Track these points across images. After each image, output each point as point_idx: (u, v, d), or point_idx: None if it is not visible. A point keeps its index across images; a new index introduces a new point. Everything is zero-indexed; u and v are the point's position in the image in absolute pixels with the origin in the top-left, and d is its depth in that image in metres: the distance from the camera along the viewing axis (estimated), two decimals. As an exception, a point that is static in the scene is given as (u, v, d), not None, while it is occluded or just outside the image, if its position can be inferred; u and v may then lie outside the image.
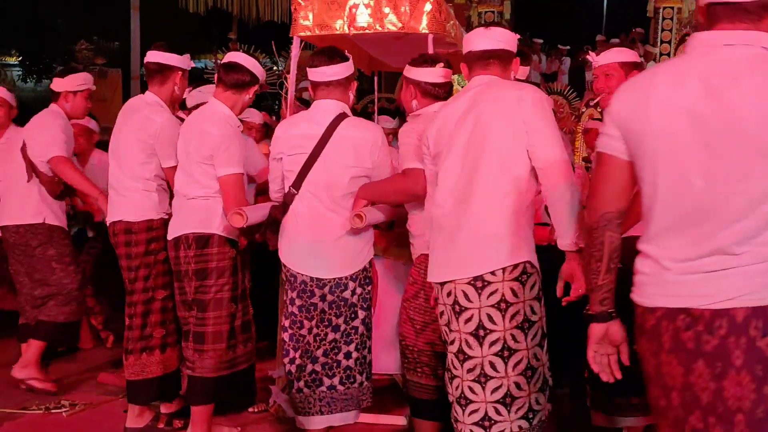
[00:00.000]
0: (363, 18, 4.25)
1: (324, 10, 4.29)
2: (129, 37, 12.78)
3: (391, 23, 4.20)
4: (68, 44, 16.12)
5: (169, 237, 3.96)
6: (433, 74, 3.65)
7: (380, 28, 4.24)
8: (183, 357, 4.10)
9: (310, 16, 4.33)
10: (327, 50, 3.69)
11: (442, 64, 3.66)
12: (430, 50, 4.17)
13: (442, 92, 3.66)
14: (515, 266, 2.95)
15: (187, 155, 3.86)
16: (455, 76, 14.09)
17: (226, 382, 3.95)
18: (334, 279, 3.62)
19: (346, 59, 3.66)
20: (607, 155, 2.17)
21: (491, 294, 2.95)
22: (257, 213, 3.71)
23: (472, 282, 2.97)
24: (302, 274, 3.64)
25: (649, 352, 2.08)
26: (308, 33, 4.39)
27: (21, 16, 18.54)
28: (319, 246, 3.62)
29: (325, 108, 3.64)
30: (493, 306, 2.95)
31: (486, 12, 17.67)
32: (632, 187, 2.18)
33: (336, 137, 3.58)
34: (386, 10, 4.19)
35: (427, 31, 4.17)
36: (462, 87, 13.99)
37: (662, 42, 16.70)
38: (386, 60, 6.37)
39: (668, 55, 16.21)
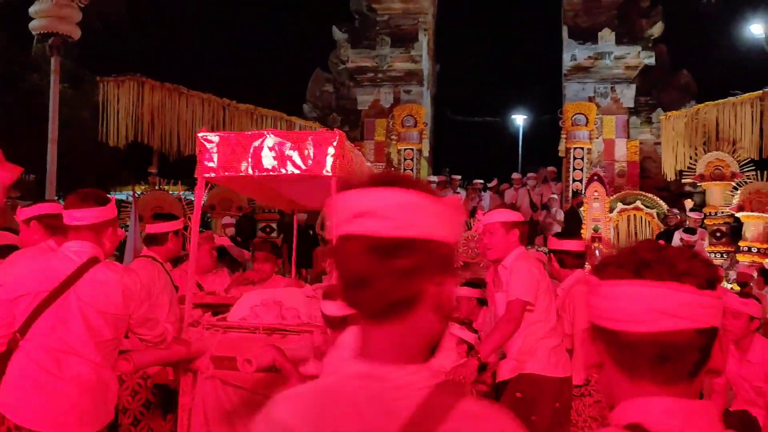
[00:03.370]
0: (267, 161, 4.27)
1: (228, 153, 4.31)
2: (45, 170, 12.58)
3: (295, 166, 4.23)
4: (-19, 176, 15.79)
5: None
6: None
7: (284, 171, 4.26)
8: None
9: (215, 158, 4.33)
10: (82, 193, 3.47)
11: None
12: (334, 192, 4.20)
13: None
14: None
15: None
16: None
17: None
18: None
19: (103, 203, 3.45)
20: None
21: None
22: None
23: None
24: None
25: None
26: (213, 175, 4.39)
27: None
28: None
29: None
30: None
31: (405, 149, 18.21)
32: None
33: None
34: (290, 153, 4.23)
35: (330, 174, 4.21)
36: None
37: (574, 180, 17.41)
38: (299, 200, 6.41)
39: (581, 193, 16.86)
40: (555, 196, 16.57)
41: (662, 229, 15.29)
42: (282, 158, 4.24)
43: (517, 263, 4.34)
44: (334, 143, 4.20)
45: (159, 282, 4.94)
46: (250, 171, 4.30)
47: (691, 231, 10.00)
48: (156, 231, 5.18)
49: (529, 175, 18.33)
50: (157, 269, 5.06)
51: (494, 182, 18.13)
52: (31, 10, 12.37)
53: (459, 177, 18.26)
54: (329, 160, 4.20)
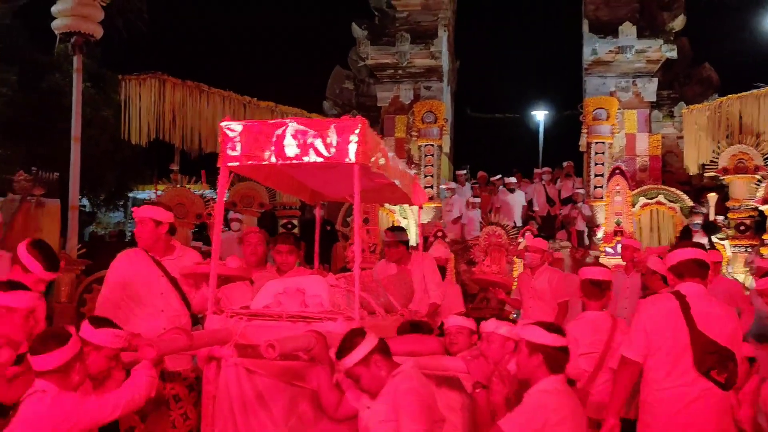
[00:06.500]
0: (290, 149, 4.27)
1: (251, 141, 4.31)
2: (68, 168, 12.66)
3: (318, 154, 4.23)
4: (5, 174, 15.96)
5: None
6: None
7: (307, 159, 4.26)
8: None
9: (238, 147, 4.34)
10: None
11: None
12: (357, 181, 4.20)
13: None
14: None
15: None
16: (396, 207, 14.07)
17: None
18: None
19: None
20: None
21: None
22: None
23: None
24: None
25: None
26: (236, 164, 4.40)
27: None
28: None
29: None
30: None
31: (426, 145, 18.15)
32: None
33: None
34: (312, 140, 4.23)
35: (352, 162, 4.20)
36: (403, 216, 13.95)
37: (595, 175, 17.29)
38: (322, 190, 6.41)
39: (601, 188, 16.74)
40: (581, 191, 16.46)
41: (685, 224, 15.16)
42: (305, 146, 4.24)
43: None
44: (357, 131, 4.19)
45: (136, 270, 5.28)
46: (273, 159, 4.30)
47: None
48: None
49: (545, 169, 18.25)
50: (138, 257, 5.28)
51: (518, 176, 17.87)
52: (54, 9, 12.45)
53: (463, 172, 17.82)
54: (352, 148, 4.19)
